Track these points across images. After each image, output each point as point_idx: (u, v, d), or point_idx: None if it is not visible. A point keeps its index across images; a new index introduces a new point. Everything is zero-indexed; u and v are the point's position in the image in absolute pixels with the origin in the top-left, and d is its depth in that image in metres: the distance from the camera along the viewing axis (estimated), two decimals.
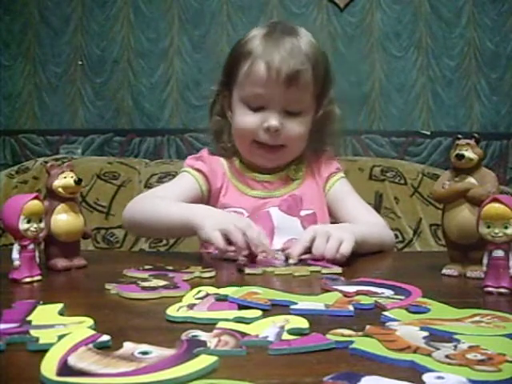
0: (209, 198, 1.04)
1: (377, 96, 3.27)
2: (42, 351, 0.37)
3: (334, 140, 1.12)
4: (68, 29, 3.28)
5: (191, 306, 0.51)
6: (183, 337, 0.42)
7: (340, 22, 3.27)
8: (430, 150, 3.22)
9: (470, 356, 0.38)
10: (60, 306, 0.50)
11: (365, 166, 1.75)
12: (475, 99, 3.26)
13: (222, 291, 0.57)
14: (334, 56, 3.18)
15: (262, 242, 0.79)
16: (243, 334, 0.43)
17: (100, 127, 3.28)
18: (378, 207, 1.65)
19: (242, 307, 0.51)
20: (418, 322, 0.46)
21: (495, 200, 0.62)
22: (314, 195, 1.06)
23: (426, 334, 0.43)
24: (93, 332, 0.42)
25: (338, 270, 0.73)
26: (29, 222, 0.65)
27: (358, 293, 0.58)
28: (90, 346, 0.39)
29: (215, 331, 0.43)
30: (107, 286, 0.61)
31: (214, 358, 0.36)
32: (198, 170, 1.04)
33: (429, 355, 0.38)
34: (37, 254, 0.67)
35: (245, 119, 1.01)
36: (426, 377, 0.34)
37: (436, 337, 0.42)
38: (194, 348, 0.38)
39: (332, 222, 1.05)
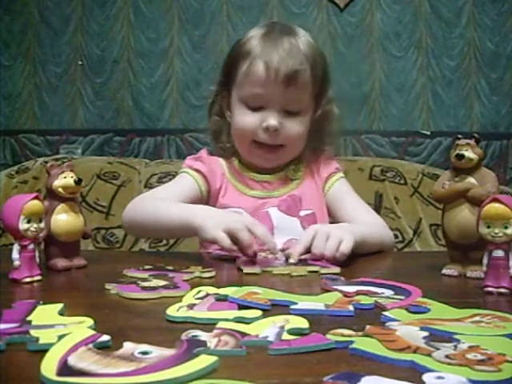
0: (208, 198, 1.04)
1: (377, 96, 3.27)
2: (42, 351, 0.38)
3: (332, 140, 1.12)
4: (68, 29, 3.28)
5: (191, 306, 0.51)
6: (183, 337, 0.42)
7: (340, 22, 3.27)
8: (430, 149, 3.22)
9: (469, 356, 0.38)
10: (60, 305, 0.50)
11: (365, 165, 1.75)
12: (475, 99, 3.26)
13: (222, 291, 0.57)
14: (334, 56, 3.18)
15: (270, 240, 0.79)
16: (243, 334, 0.43)
17: (100, 127, 3.28)
18: (377, 207, 1.65)
19: (242, 307, 0.51)
20: (418, 322, 0.46)
21: (495, 200, 0.62)
22: (314, 195, 1.07)
23: (425, 333, 0.43)
24: (93, 332, 0.42)
25: (337, 269, 0.73)
26: (29, 222, 0.65)
27: (358, 293, 0.58)
28: (90, 345, 0.39)
29: (215, 331, 0.43)
30: (107, 286, 0.61)
31: (214, 358, 0.36)
32: (197, 171, 1.04)
33: (429, 355, 0.38)
34: (37, 254, 0.67)
35: (244, 119, 1.01)
36: (425, 377, 0.34)
37: (436, 337, 0.42)
38: (194, 348, 0.38)
39: (331, 222, 1.05)
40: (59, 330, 0.43)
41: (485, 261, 0.63)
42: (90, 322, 0.45)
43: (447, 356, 0.38)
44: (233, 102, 1.04)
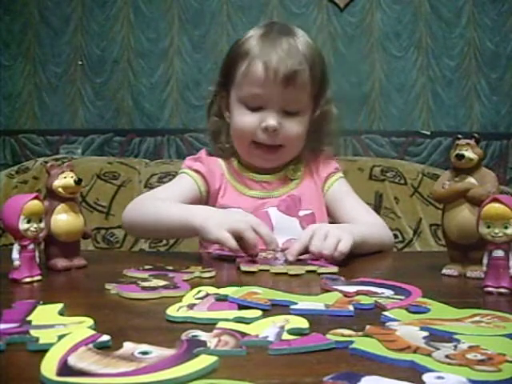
0: (207, 198, 1.04)
1: (377, 96, 3.27)
2: (42, 351, 0.37)
3: (331, 140, 1.12)
4: (68, 29, 3.28)
5: (191, 306, 0.51)
6: (183, 337, 0.42)
7: (340, 22, 3.27)
8: (430, 149, 3.22)
9: (470, 356, 0.38)
10: (60, 306, 0.50)
11: (365, 166, 1.75)
12: (475, 99, 3.26)
13: (222, 291, 0.57)
14: (334, 56, 3.18)
15: (273, 239, 0.80)
16: (243, 334, 0.43)
17: (100, 127, 3.28)
18: (377, 207, 1.65)
19: (242, 307, 0.51)
20: (418, 322, 0.46)
21: (495, 200, 0.62)
22: (313, 195, 1.07)
23: (426, 334, 0.43)
24: (93, 332, 0.42)
25: (334, 269, 0.73)
26: (29, 222, 0.65)
27: (358, 293, 0.58)
28: (90, 346, 0.39)
29: (215, 331, 0.43)
30: (107, 286, 0.61)
31: (214, 358, 0.36)
32: (197, 171, 1.04)
33: (429, 355, 0.38)
34: (37, 253, 0.67)
35: (243, 119, 1.01)
36: (425, 377, 0.34)
37: (436, 337, 0.42)
38: (194, 348, 0.38)
39: (331, 223, 1.05)
40: (59, 329, 0.43)
41: (485, 261, 0.63)
42: (90, 321, 0.45)
43: (447, 356, 0.38)
44: (232, 103, 1.04)
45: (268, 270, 0.73)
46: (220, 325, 0.45)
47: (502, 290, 0.61)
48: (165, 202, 0.95)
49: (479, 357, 0.37)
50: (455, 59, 3.26)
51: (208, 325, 0.45)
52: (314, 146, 1.09)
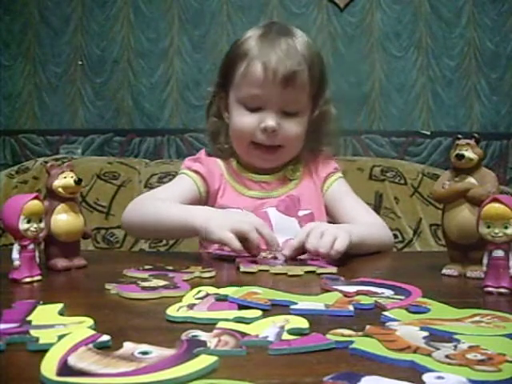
0: (207, 199, 1.04)
1: (377, 96, 3.27)
2: (42, 351, 0.37)
3: (330, 140, 1.12)
4: (68, 29, 3.28)
5: (191, 306, 0.51)
6: (183, 337, 0.42)
7: (340, 22, 3.27)
8: (430, 149, 3.22)
9: (470, 356, 0.38)
10: (60, 305, 0.50)
11: (365, 166, 1.75)
12: (475, 99, 3.26)
13: (222, 291, 0.57)
14: (334, 56, 3.18)
15: (275, 241, 0.80)
16: (243, 334, 0.43)
17: (100, 127, 3.28)
18: (377, 207, 1.65)
19: (242, 307, 0.51)
20: (418, 322, 0.46)
21: (495, 200, 0.62)
22: (312, 195, 1.07)
23: (426, 334, 0.43)
24: (93, 332, 0.42)
25: (333, 269, 0.73)
26: (29, 222, 0.65)
27: (358, 293, 0.58)
28: (90, 346, 0.39)
29: (215, 331, 0.43)
30: (107, 286, 0.61)
31: (214, 358, 0.36)
32: (196, 172, 1.04)
33: (429, 355, 0.38)
34: (37, 253, 0.67)
35: (242, 120, 1.01)
36: (426, 377, 0.34)
37: (436, 337, 0.42)
38: (194, 348, 0.38)
39: (330, 223, 1.05)
40: (59, 329, 0.43)
41: (485, 261, 0.63)
42: (90, 322, 0.45)
43: (447, 356, 0.38)
44: (231, 103, 1.04)
45: (267, 271, 0.73)
46: (220, 325, 0.45)
47: (502, 290, 0.61)
48: (164, 203, 0.95)
49: (479, 357, 0.37)
50: (455, 59, 3.26)
51: (208, 325, 0.45)
52: (312, 146, 1.09)
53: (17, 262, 0.65)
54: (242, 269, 0.73)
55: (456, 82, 3.26)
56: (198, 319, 0.48)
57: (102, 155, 2.90)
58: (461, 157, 0.71)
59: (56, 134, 3.26)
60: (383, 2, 3.26)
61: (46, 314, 0.48)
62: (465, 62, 3.26)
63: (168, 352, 0.38)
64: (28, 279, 0.65)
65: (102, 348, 0.39)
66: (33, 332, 0.42)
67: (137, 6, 3.27)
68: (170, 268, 0.71)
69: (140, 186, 1.68)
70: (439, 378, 0.34)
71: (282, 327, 0.44)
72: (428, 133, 3.24)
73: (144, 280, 0.64)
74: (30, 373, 0.36)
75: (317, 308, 0.52)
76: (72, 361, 0.36)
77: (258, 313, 0.48)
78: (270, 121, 0.98)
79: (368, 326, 0.44)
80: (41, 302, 0.51)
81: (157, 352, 0.38)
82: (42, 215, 0.68)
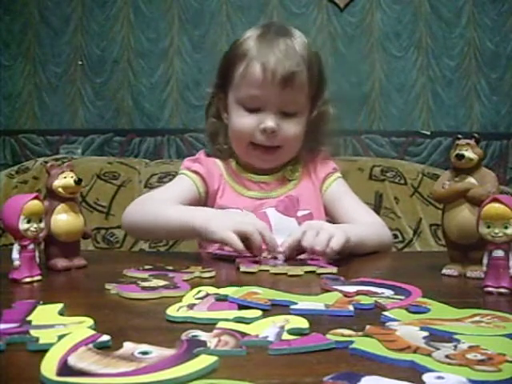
0: (206, 199, 1.04)
1: (377, 96, 3.27)
2: (42, 351, 0.37)
3: (329, 140, 1.12)
4: (68, 29, 3.28)
5: (191, 306, 0.51)
6: (183, 337, 0.42)
7: (340, 22, 3.27)
8: (430, 149, 3.22)
9: (470, 356, 0.38)
10: (60, 305, 0.50)
11: (365, 166, 1.75)
12: (475, 99, 3.26)
13: (222, 291, 0.57)
14: (334, 56, 3.18)
15: (276, 244, 0.80)
16: (243, 334, 0.43)
17: (100, 127, 3.28)
18: (377, 207, 1.65)
19: (242, 307, 0.51)
20: (418, 322, 0.46)
21: (495, 200, 0.62)
22: (311, 196, 1.07)
23: (426, 334, 0.43)
24: (93, 332, 0.42)
25: (334, 269, 0.73)
26: (29, 222, 0.65)
27: (358, 293, 0.58)
28: (90, 346, 0.39)
29: (215, 331, 0.43)
30: (107, 286, 0.61)
31: (214, 358, 0.36)
32: (196, 172, 1.04)
33: (429, 355, 0.38)
34: (37, 253, 0.67)
35: (241, 121, 1.01)
36: (426, 377, 0.34)
37: (436, 337, 0.42)
38: (194, 348, 0.38)
39: (329, 223, 1.05)
40: (59, 329, 0.43)
41: (485, 261, 0.63)
42: (90, 322, 0.45)
43: (447, 356, 0.38)
44: (229, 104, 1.04)
45: (267, 271, 0.73)
46: (220, 325, 0.45)
47: (502, 290, 0.61)
48: (164, 204, 0.95)
49: (479, 357, 0.37)
50: (455, 59, 3.26)
51: (208, 325, 0.45)
52: (311, 147, 1.09)
53: (17, 262, 0.65)
54: (242, 269, 0.73)
55: (456, 82, 3.26)
56: (198, 319, 0.48)
57: (102, 155, 2.90)
58: (461, 157, 0.71)
59: (56, 133, 3.26)
60: (383, 1, 3.26)
61: (45, 313, 0.48)
62: (465, 62, 3.26)
63: (168, 352, 0.38)
64: (28, 279, 0.65)
65: (102, 348, 0.39)
66: (33, 332, 0.42)
67: (137, 6, 3.27)
68: (170, 268, 0.71)
69: (140, 186, 1.68)
70: (439, 377, 0.34)
71: (282, 327, 0.44)
72: (428, 133, 3.24)
73: (144, 280, 0.64)
74: (30, 373, 0.36)
75: (317, 308, 0.52)
76: (72, 361, 0.36)
77: (258, 313, 0.48)
78: (270, 122, 0.98)
79: (368, 326, 0.44)
80: (41, 302, 0.51)
81: (157, 352, 0.38)
82: (42, 215, 0.68)
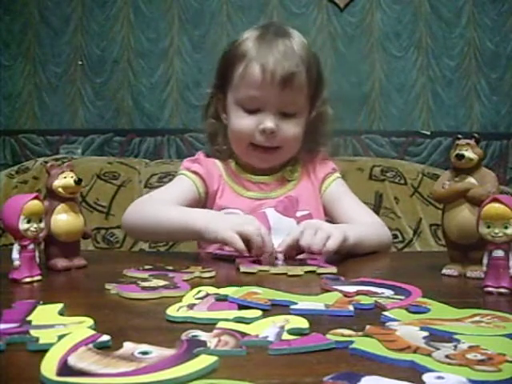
0: (206, 199, 1.05)
1: (377, 96, 3.27)
2: (42, 351, 0.38)
3: (328, 140, 1.12)
4: (68, 29, 3.28)
5: (191, 306, 0.51)
6: (183, 337, 0.42)
7: (340, 22, 3.27)
8: (430, 149, 3.22)
9: (470, 356, 0.38)
10: (60, 306, 0.50)
11: (365, 166, 1.75)
12: (475, 99, 3.26)
13: (222, 291, 0.57)
14: (334, 56, 3.18)
15: (274, 250, 0.80)
16: (243, 334, 0.43)
17: (100, 127, 3.28)
18: (377, 207, 1.65)
19: (242, 307, 0.51)
20: (418, 322, 0.46)
21: (495, 200, 0.62)
22: (310, 196, 1.07)
23: (425, 334, 0.43)
24: (93, 332, 0.42)
25: (333, 269, 0.73)
26: (29, 222, 0.65)
27: (358, 293, 0.58)
28: (90, 346, 0.39)
29: (215, 331, 0.43)
30: (107, 286, 0.61)
31: (214, 358, 0.36)
32: (195, 173, 1.04)
33: (429, 355, 0.38)
34: (37, 254, 0.67)
35: (241, 122, 1.01)
36: (426, 377, 0.34)
37: (436, 337, 0.42)
38: (194, 348, 0.38)
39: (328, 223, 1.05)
40: (59, 329, 0.43)
41: (485, 261, 0.63)
42: (90, 322, 0.45)
43: (447, 356, 0.38)
44: (229, 105, 1.04)
45: (267, 271, 0.73)
46: (220, 325, 0.45)
47: (502, 290, 0.61)
48: (164, 206, 0.95)
49: (479, 357, 0.37)
50: (455, 59, 3.26)
51: (208, 325, 0.45)
52: (310, 147, 1.09)
53: (17, 262, 0.65)
54: (242, 269, 0.73)
55: (456, 82, 3.26)
56: (198, 319, 0.48)
57: (102, 155, 2.90)
58: (461, 157, 0.71)
59: (56, 134, 3.26)
60: (383, 1, 3.26)
61: (46, 313, 0.48)
62: (465, 62, 3.26)
63: (168, 352, 0.38)
64: (28, 279, 0.65)
65: (102, 348, 0.39)
66: (33, 332, 0.42)
67: (137, 6, 3.27)
68: (170, 268, 0.71)
69: (140, 186, 1.68)
70: (439, 377, 0.34)
71: (282, 327, 0.44)
72: (428, 133, 3.24)
73: (144, 280, 0.64)
74: (30, 373, 0.36)
75: (317, 308, 0.52)
76: (72, 361, 0.36)
77: (258, 313, 0.48)
78: (269, 122, 0.98)
79: (368, 326, 0.44)
80: (41, 302, 0.51)
81: (157, 352, 0.38)
82: (42, 215, 0.68)
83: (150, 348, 0.39)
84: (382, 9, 3.26)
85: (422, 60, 3.27)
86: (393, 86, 3.27)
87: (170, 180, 1.14)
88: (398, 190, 1.70)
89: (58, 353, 0.37)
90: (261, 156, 1.03)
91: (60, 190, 0.73)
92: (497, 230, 0.61)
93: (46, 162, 1.61)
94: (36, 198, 0.66)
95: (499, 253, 0.62)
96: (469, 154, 0.71)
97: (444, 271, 0.73)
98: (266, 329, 0.44)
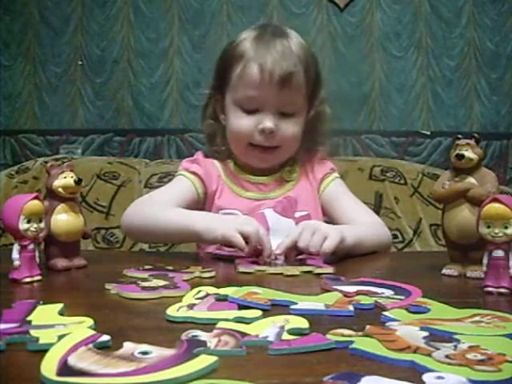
0: (205, 200, 1.05)
1: (377, 96, 3.27)
2: (42, 351, 0.38)
3: (326, 140, 1.12)
4: (68, 29, 3.28)
5: (191, 306, 0.51)
6: (183, 337, 0.42)
7: (340, 22, 3.27)
8: (430, 149, 3.22)
9: (470, 356, 0.38)
10: (60, 306, 0.50)
11: (365, 166, 1.75)
12: (475, 99, 3.26)
13: (222, 291, 0.57)
14: (334, 56, 3.18)
15: (272, 252, 0.81)
16: (243, 334, 0.43)
17: (100, 127, 3.28)
18: (377, 207, 1.65)
19: (242, 307, 0.51)
20: (418, 322, 0.46)
21: (495, 200, 0.62)
22: (309, 196, 1.07)
23: (426, 334, 0.43)
24: (93, 332, 0.42)
25: (330, 269, 0.73)
26: (29, 222, 0.65)
27: (358, 293, 0.58)
28: (90, 346, 0.39)
29: (215, 331, 0.43)
30: (107, 286, 0.61)
31: (214, 358, 0.36)
32: (194, 173, 1.04)
33: (429, 355, 0.38)
34: (37, 254, 0.67)
35: (239, 122, 1.01)
36: (425, 377, 0.34)
37: (436, 337, 0.42)
38: (194, 348, 0.38)
39: (327, 223, 1.05)
40: (59, 329, 0.43)
41: (485, 261, 0.63)
42: (90, 322, 0.45)
43: (447, 356, 0.38)
44: (227, 105, 1.04)
45: (264, 271, 0.73)
46: (220, 325, 0.45)
47: (502, 290, 0.61)
48: (163, 207, 0.95)
49: (479, 357, 0.37)
50: (455, 59, 3.26)
51: (208, 325, 0.45)
52: (309, 147, 1.09)
53: (17, 262, 0.65)
54: (240, 269, 0.73)
55: (456, 82, 3.26)
56: (198, 319, 0.48)
57: (102, 155, 2.90)
58: (461, 157, 0.71)
59: (56, 134, 3.26)
60: (383, 2, 3.26)
61: (46, 313, 0.48)
62: (465, 62, 3.26)
63: (168, 352, 0.38)
64: (28, 279, 0.65)
65: (102, 348, 0.39)
66: (33, 332, 0.42)
67: (137, 6, 3.27)
68: (170, 268, 0.71)
69: (140, 186, 1.68)
70: (439, 377, 0.34)
71: (282, 327, 0.44)
72: (428, 133, 3.24)
73: (144, 280, 0.64)
74: (30, 373, 0.36)
75: (317, 308, 0.52)
76: (72, 361, 0.36)
77: (258, 313, 0.49)
78: (268, 122, 0.98)
79: (368, 326, 0.44)
80: (41, 302, 0.51)
81: (157, 352, 0.38)
82: (42, 215, 0.68)
83: (150, 348, 0.39)
84: (382, 9, 3.26)
85: (422, 60, 3.27)
86: (393, 86, 3.27)
87: (170, 180, 1.14)
88: (397, 190, 1.70)
89: (58, 353, 0.37)
90: (260, 156, 1.03)
91: (60, 190, 0.73)
92: (497, 230, 0.61)
93: (46, 162, 1.61)
94: (36, 197, 0.66)
95: (499, 253, 0.62)
96: (469, 154, 0.71)
97: (444, 271, 0.73)
98: (266, 329, 0.44)
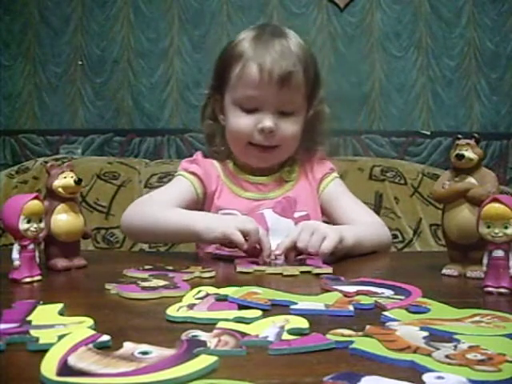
0: (204, 200, 1.05)
1: (377, 96, 3.27)
2: (42, 351, 0.38)
3: (325, 139, 1.12)
4: (68, 29, 3.28)
5: (191, 306, 0.51)
6: (183, 337, 0.42)
7: (340, 22, 3.27)
8: (430, 149, 3.22)
9: (470, 356, 0.38)
10: (60, 306, 0.50)
11: (365, 166, 1.75)
12: (475, 99, 3.26)
13: (222, 291, 0.57)
14: (334, 56, 3.18)
15: (271, 252, 0.81)
16: (243, 334, 0.43)
17: (100, 127, 3.28)
18: (377, 207, 1.65)
19: (242, 307, 0.51)
20: (418, 322, 0.46)
21: (495, 200, 0.62)
22: (308, 197, 1.07)
23: (425, 334, 0.43)
24: (93, 332, 0.42)
25: (329, 269, 0.73)
26: (29, 222, 0.65)
27: (358, 293, 0.58)
28: (90, 346, 0.39)
29: (215, 331, 0.43)
30: (107, 286, 0.61)
31: (214, 358, 0.36)
32: (193, 174, 1.04)
33: (429, 355, 0.38)
34: (37, 254, 0.67)
35: (239, 122, 1.01)
36: (426, 377, 0.34)
37: (436, 337, 0.42)
38: (194, 348, 0.38)
39: (326, 223, 1.05)
40: (59, 329, 0.43)
41: (485, 261, 0.63)
42: (90, 322, 0.45)
43: (447, 356, 0.38)
44: (226, 105, 1.05)
45: (263, 271, 0.73)
46: (220, 325, 0.45)
47: (502, 290, 0.61)
48: (163, 207, 0.95)
49: (479, 357, 0.37)
50: (455, 59, 3.26)
51: (208, 325, 0.45)
52: (308, 146, 1.10)
53: (17, 262, 0.65)
54: (239, 269, 0.73)
55: (456, 82, 3.26)
56: (198, 319, 0.48)
57: (102, 155, 2.90)
58: (461, 157, 0.71)
59: (56, 134, 3.26)
60: (383, 1, 3.26)
61: (46, 313, 0.48)
62: (465, 62, 3.26)
63: (168, 352, 0.38)
64: (28, 279, 0.65)
65: (102, 348, 0.39)
66: (33, 332, 0.42)
67: (137, 6, 3.27)
68: (170, 268, 0.71)
69: (140, 186, 1.68)
70: (439, 377, 0.34)
71: (282, 327, 0.44)
72: (428, 133, 3.24)
73: (144, 280, 0.64)
74: (30, 373, 0.36)
75: (317, 308, 0.52)
76: (72, 361, 0.36)
77: (258, 313, 0.49)
78: (268, 121, 0.98)
79: (368, 326, 0.44)
80: (41, 302, 0.51)
81: (157, 352, 0.38)
82: (42, 215, 0.68)
83: (150, 348, 0.39)
84: (382, 9, 3.26)
85: (422, 60, 3.27)
86: (393, 86, 3.27)
87: (170, 180, 1.14)
88: (397, 190, 1.70)
89: (58, 353, 0.37)
90: (259, 155, 1.03)
91: (60, 190, 0.73)
92: (497, 230, 0.61)
93: (46, 162, 1.61)
94: (36, 197, 0.66)
95: (499, 253, 0.62)
96: (469, 153, 0.71)
97: (444, 271, 0.73)
98: (266, 329, 0.44)
